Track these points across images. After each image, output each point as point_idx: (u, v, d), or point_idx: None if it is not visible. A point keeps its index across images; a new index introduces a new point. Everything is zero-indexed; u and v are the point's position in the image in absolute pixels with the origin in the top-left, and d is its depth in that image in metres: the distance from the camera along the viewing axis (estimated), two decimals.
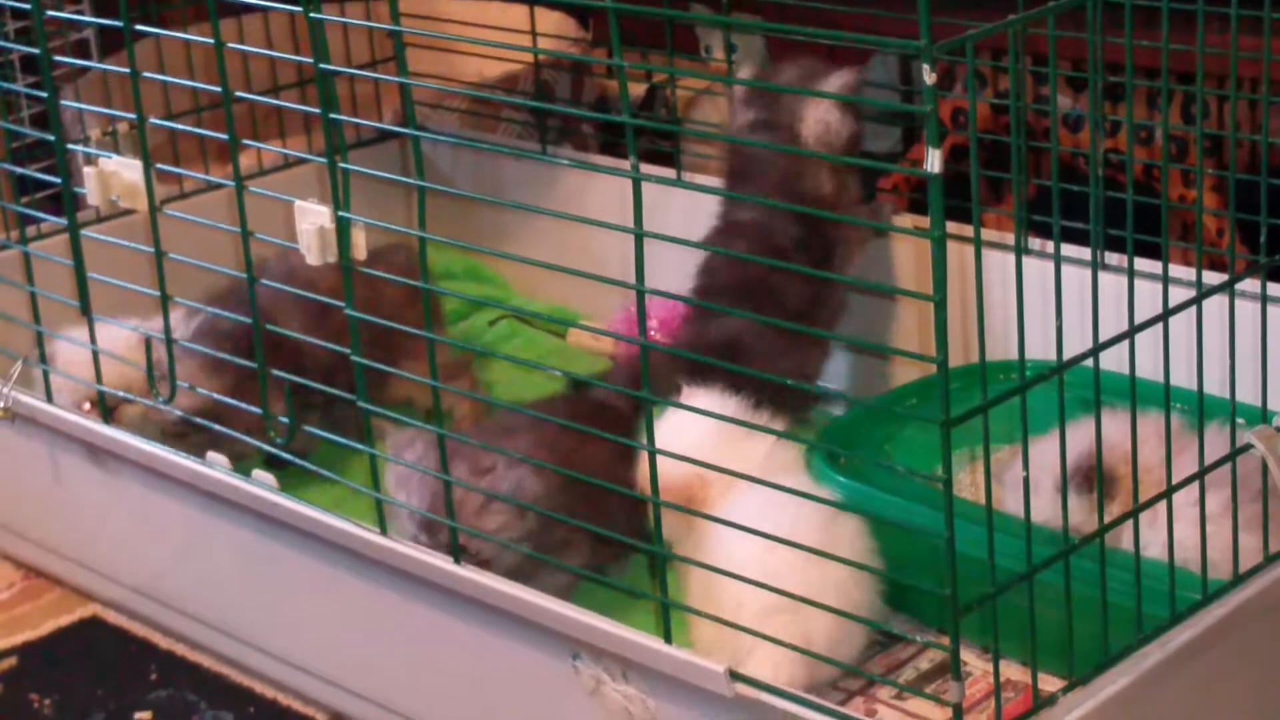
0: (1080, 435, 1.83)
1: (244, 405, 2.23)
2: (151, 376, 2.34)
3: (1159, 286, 1.77)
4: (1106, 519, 1.78)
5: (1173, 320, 1.77)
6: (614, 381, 2.38)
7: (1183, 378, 1.84)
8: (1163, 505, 1.81)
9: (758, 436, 2.01)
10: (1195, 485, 1.83)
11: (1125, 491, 1.90)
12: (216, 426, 2.28)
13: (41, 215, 2.58)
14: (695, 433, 1.98)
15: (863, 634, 2.05)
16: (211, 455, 2.26)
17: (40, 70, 2.37)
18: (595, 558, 2.20)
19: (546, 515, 2.08)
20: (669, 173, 2.92)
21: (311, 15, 1.92)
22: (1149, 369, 1.81)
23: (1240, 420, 1.91)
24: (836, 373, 2.73)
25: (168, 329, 2.28)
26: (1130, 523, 1.79)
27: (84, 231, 2.40)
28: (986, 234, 2.53)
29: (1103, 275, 1.70)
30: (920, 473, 1.98)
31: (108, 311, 2.39)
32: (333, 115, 1.96)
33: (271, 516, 2.18)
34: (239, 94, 2.11)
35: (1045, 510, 1.83)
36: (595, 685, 1.92)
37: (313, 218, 1.98)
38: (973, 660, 2.04)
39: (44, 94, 2.38)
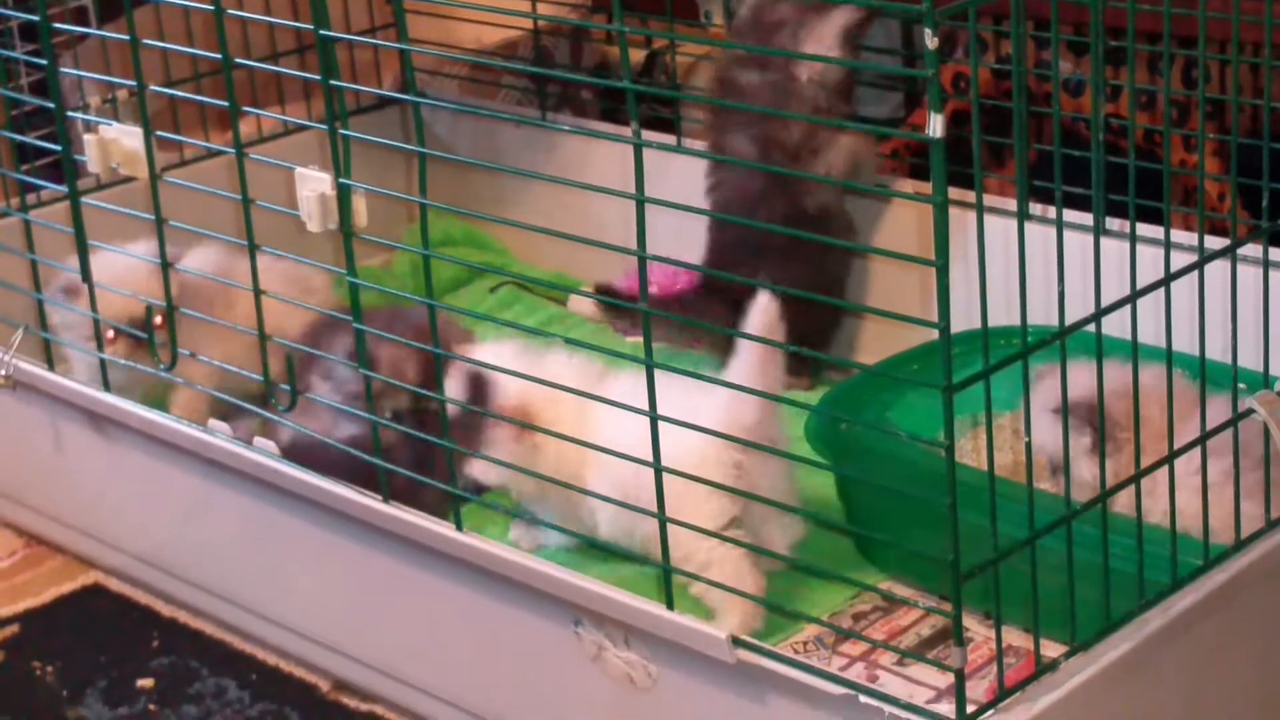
0: (1081, 378, 1.83)
1: (246, 373, 2.23)
2: (153, 345, 2.34)
3: (1160, 252, 1.76)
4: (1109, 477, 1.78)
5: (1175, 285, 1.77)
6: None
7: (1185, 343, 1.84)
8: (1163, 473, 1.81)
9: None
10: (1197, 452, 1.83)
11: (1127, 448, 1.90)
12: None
13: (42, 183, 2.58)
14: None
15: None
16: (213, 423, 2.26)
17: (39, 37, 2.36)
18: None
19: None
20: (669, 139, 2.92)
21: None
22: (1151, 334, 1.81)
23: (1242, 385, 1.91)
24: (838, 337, 2.74)
25: (169, 296, 2.28)
26: (1132, 488, 1.79)
27: (84, 199, 2.40)
28: (988, 199, 2.52)
29: (1104, 240, 1.70)
30: (922, 438, 1.97)
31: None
32: (333, 82, 1.95)
33: (273, 484, 2.18)
34: (239, 60, 2.10)
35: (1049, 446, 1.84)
36: (597, 651, 1.92)
37: (313, 184, 1.97)
38: (974, 626, 2.04)
39: (43, 61, 2.37)
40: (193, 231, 2.23)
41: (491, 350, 2.13)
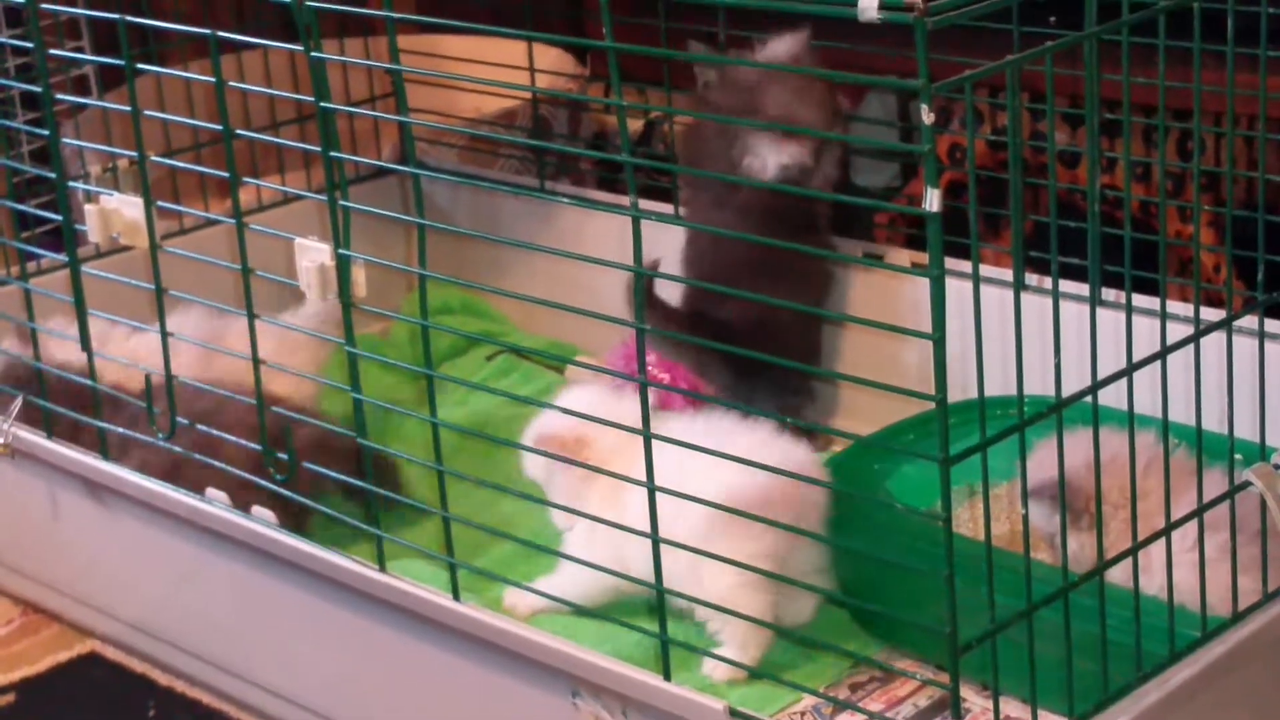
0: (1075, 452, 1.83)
1: (242, 442, 2.23)
2: (151, 413, 2.34)
3: (1157, 323, 1.77)
4: (1106, 550, 1.78)
5: (1171, 357, 1.78)
6: None
7: (1181, 414, 1.84)
8: (1160, 546, 1.81)
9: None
10: (1192, 525, 1.83)
11: (1121, 522, 1.90)
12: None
13: (42, 251, 2.59)
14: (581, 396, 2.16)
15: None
16: (211, 491, 2.26)
17: (40, 107, 2.38)
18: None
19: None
20: (666, 208, 2.93)
21: (313, 55, 1.93)
22: (1148, 405, 1.81)
23: (1238, 457, 1.91)
24: (833, 406, 2.74)
25: (167, 367, 2.28)
26: (1128, 560, 1.79)
27: (84, 267, 2.40)
28: (984, 270, 2.53)
29: (1101, 312, 1.70)
30: (918, 510, 1.98)
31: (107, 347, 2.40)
32: (333, 154, 1.96)
33: (270, 553, 2.18)
34: (239, 131, 2.11)
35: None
36: None
37: (313, 255, 1.98)
38: (972, 697, 2.03)
39: (44, 131, 2.38)
40: (193, 301, 2.23)
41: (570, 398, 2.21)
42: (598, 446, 2.13)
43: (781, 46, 2.60)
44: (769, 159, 2.57)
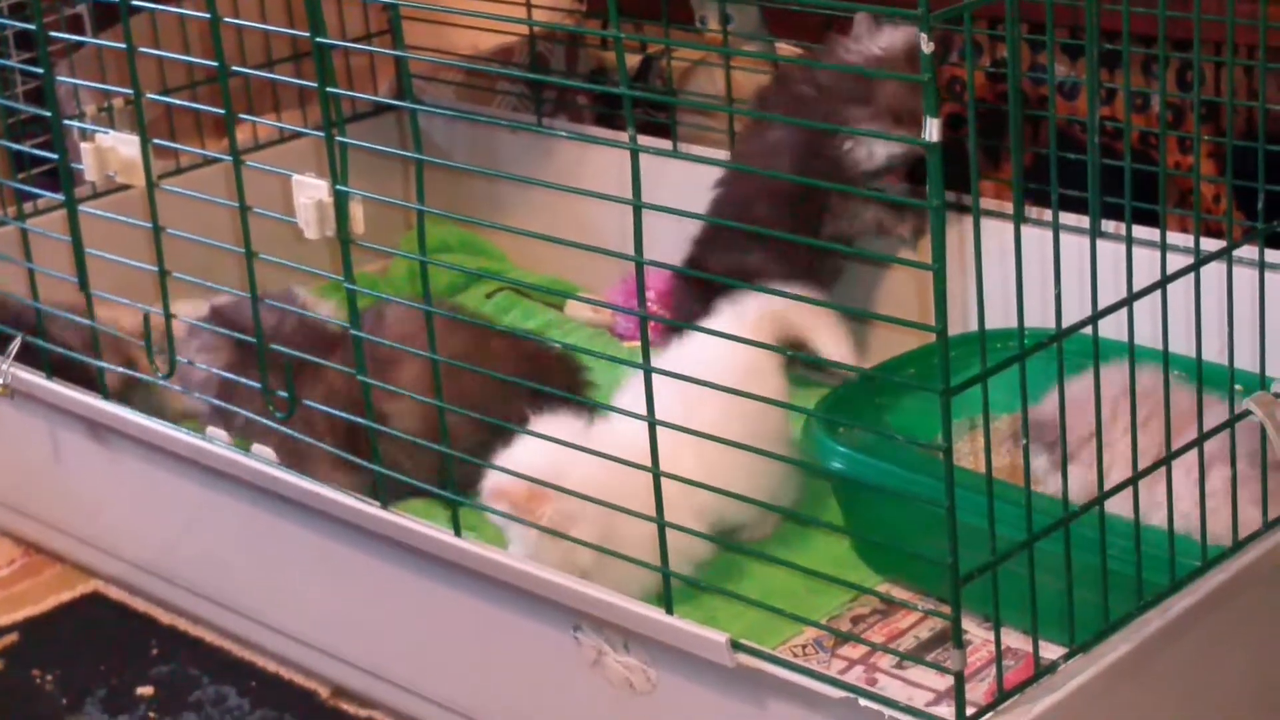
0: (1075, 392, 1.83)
1: (245, 380, 2.23)
2: (150, 352, 2.34)
3: (1157, 254, 1.77)
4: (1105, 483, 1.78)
5: (1171, 288, 1.77)
6: None
7: (1181, 345, 1.84)
8: (1161, 475, 1.81)
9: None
10: (1194, 454, 1.84)
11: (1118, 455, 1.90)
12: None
13: (38, 191, 2.58)
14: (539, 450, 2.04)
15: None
16: (212, 430, 2.26)
17: (35, 46, 2.36)
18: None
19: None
20: (664, 144, 2.92)
21: None
22: (1148, 336, 1.81)
23: (1238, 387, 1.91)
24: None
25: (166, 305, 2.28)
26: (1129, 490, 1.80)
27: (81, 207, 2.40)
28: (984, 203, 2.53)
29: (1101, 243, 1.70)
30: (920, 441, 1.98)
31: (105, 287, 2.39)
32: (330, 89, 1.95)
33: (272, 491, 2.18)
34: (235, 68, 2.10)
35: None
36: (596, 656, 1.92)
37: (310, 192, 1.98)
38: (973, 629, 2.04)
39: (39, 70, 2.37)
40: (189, 239, 2.23)
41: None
42: (553, 501, 2.04)
43: (898, 36, 2.57)
44: (876, 149, 2.56)
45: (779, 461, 2.02)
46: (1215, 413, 1.87)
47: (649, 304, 2.13)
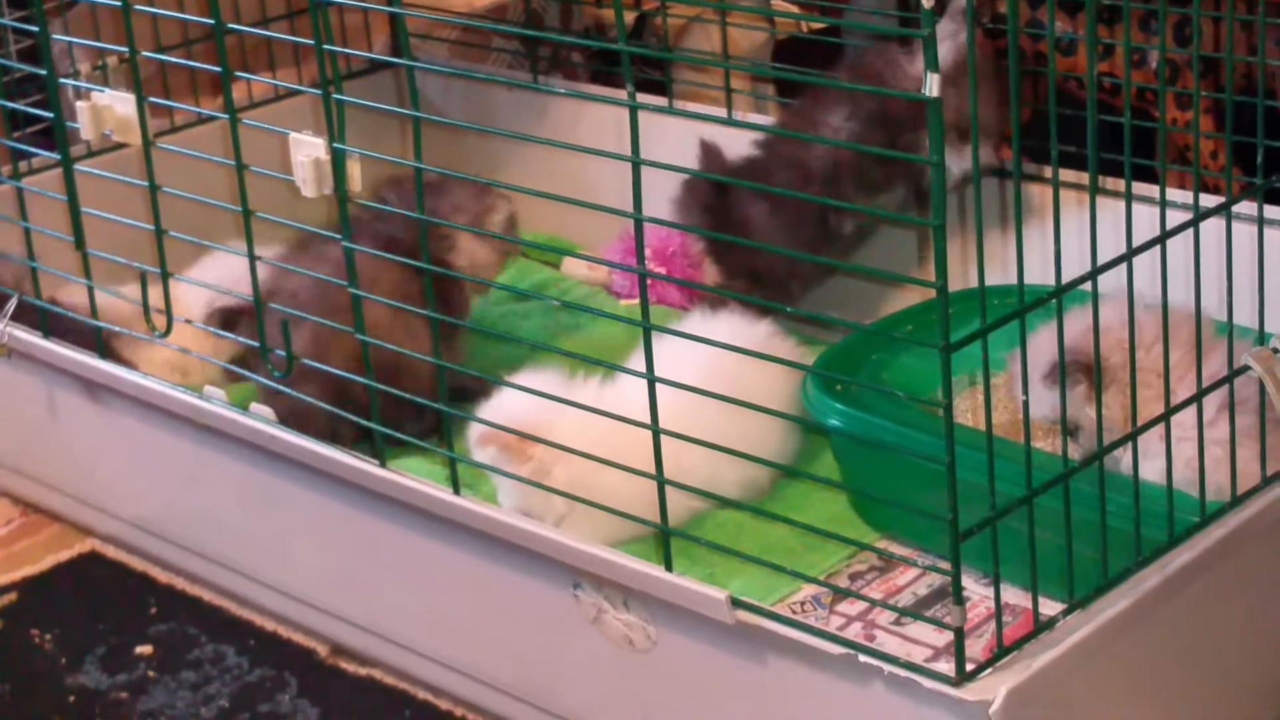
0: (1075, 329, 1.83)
1: (243, 340, 2.23)
2: (147, 311, 2.33)
3: (1156, 210, 1.76)
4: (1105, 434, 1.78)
5: (1170, 244, 1.77)
6: None
7: (1180, 301, 1.84)
8: (1159, 431, 1.81)
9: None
10: (1193, 408, 1.84)
11: (1122, 401, 1.90)
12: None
13: (34, 150, 2.57)
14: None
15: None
16: (209, 389, 2.25)
17: (29, 4, 2.35)
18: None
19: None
20: (660, 101, 2.91)
21: None
22: (1147, 293, 1.81)
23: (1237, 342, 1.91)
24: (834, 298, 2.73)
25: (163, 262, 2.28)
26: (1128, 447, 1.80)
27: (77, 166, 2.39)
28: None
29: (1100, 199, 1.70)
30: (919, 398, 1.98)
31: (101, 246, 2.39)
32: (327, 47, 1.95)
33: (270, 449, 2.18)
34: (230, 25, 2.09)
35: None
36: (596, 614, 1.93)
37: (308, 150, 1.97)
38: (972, 585, 2.04)
39: (34, 28, 2.36)
40: (185, 198, 2.22)
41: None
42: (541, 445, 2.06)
43: (946, 51, 2.53)
44: (951, 165, 2.51)
45: (777, 418, 2.03)
46: (1215, 367, 1.88)
47: (647, 262, 2.13)
